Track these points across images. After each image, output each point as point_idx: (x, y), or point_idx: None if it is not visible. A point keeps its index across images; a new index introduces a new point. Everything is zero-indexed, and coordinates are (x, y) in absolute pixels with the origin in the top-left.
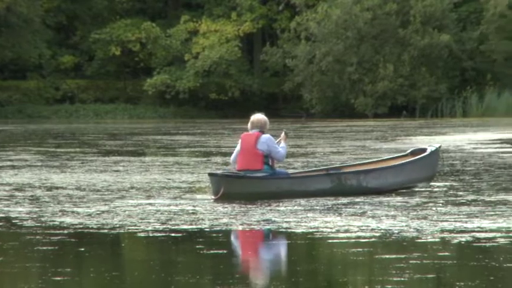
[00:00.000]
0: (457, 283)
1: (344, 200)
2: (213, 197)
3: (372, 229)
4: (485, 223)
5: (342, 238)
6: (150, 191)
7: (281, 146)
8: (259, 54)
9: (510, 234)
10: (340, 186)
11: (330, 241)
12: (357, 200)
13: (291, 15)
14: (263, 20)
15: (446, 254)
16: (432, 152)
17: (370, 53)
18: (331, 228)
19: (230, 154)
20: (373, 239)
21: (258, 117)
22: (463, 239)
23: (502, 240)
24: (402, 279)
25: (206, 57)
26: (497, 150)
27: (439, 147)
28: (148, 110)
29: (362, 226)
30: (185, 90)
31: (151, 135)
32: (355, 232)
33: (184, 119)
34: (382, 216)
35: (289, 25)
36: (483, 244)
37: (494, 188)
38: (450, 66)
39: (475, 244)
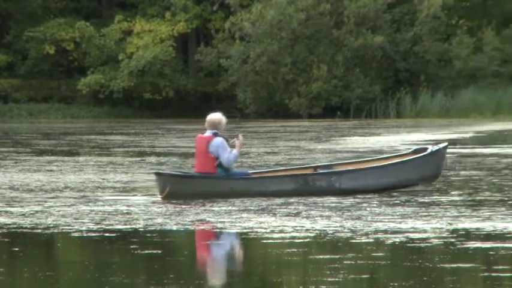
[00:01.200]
0: (391, 283)
1: (278, 201)
2: (159, 196)
3: (307, 229)
4: (419, 224)
5: (277, 238)
6: (84, 191)
7: (233, 152)
8: (194, 54)
9: (443, 235)
10: (307, 187)
11: (264, 241)
12: (292, 200)
13: (225, 16)
14: (197, 20)
15: (380, 254)
16: (432, 152)
17: (304, 53)
18: (265, 228)
19: (164, 154)
20: (307, 240)
21: (212, 117)
22: (397, 240)
23: (435, 241)
24: (336, 279)
25: (140, 57)
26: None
27: (445, 146)
28: (83, 110)
29: (296, 226)
30: (119, 90)
31: (85, 135)
32: (290, 232)
33: (118, 119)
34: (316, 216)
35: (223, 25)
36: (417, 244)
37: (427, 188)
38: (384, 67)
39: (408, 244)
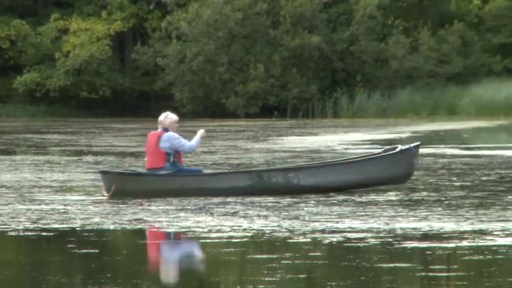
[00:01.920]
0: (329, 283)
1: (216, 200)
2: (105, 194)
3: (244, 229)
4: (356, 223)
5: (214, 238)
6: (21, 190)
7: (194, 139)
8: (130, 53)
9: (380, 235)
10: (262, 184)
11: (202, 241)
12: (229, 200)
13: (162, 15)
14: (134, 19)
15: (318, 254)
16: (401, 151)
17: (241, 53)
18: (203, 228)
19: (101, 153)
20: (245, 239)
21: (163, 116)
22: (335, 239)
23: (372, 241)
24: (274, 279)
25: (77, 55)
26: (368, 150)
27: (416, 145)
28: (19, 109)
29: (234, 226)
30: (56, 88)
31: (21, 134)
32: (227, 232)
33: (55, 118)
34: (253, 216)
35: (160, 24)
36: (354, 244)
37: (364, 188)
38: (321, 67)
39: (346, 244)
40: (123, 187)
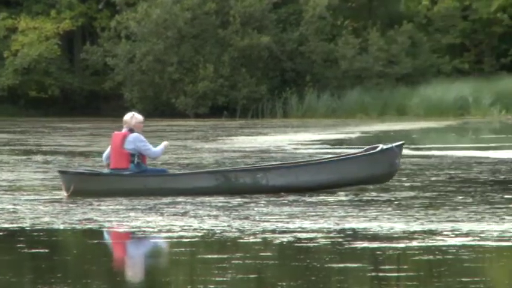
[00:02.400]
0: (279, 283)
1: (166, 200)
2: (65, 194)
3: (194, 229)
4: (307, 223)
5: (164, 238)
6: None
7: (158, 147)
8: (80, 53)
9: (331, 235)
10: (229, 184)
11: (152, 241)
12: (179, 199)
13: (111, 14)
14: (83, 18)
15: (268, 254)
16: (382, 151)
17: (191, 53)
18: (153, 228)
19: (51, 153)
20: (195, 239)
21: (128, 116)
22: (285, 239)
23: (322, 241)
24: (224, 279)
25: (25, 54)
26: (318, 150)
27: (398, 145)
28: None
29: (184, 226)
30: (4, 87)
31: None
32: (178, 232)
33: (3, 117)
34: (204, 216)
35: (109, 24)
36: (304, 244)
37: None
38: (270, 67)
39: (296, 244)
40: (83, 187)
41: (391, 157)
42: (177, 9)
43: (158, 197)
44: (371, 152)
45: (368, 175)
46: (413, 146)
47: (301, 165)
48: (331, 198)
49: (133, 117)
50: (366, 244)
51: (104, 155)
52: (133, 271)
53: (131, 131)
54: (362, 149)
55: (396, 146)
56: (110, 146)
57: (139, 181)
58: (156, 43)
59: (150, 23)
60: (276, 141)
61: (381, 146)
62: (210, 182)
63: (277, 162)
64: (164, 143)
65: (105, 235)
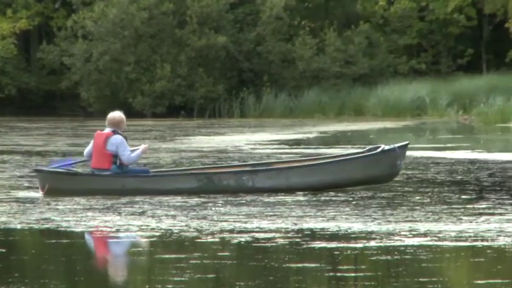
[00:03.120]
0: (237, 283)
1: (124, 200)
2: (40, 192)
3: (152, 228)
4: (264, 223)
5: (122, 237)
6: None
7: (135, 152)
8: (36, 52)
9: (289, 235)
10: (212, 186)
11: (110, 240)
12: (137, 199)
13: (68, 13)
14: (39, 17)
15: (226, 254)
16: (383, 151)
17: (148, 52)
18: (111, 227)
19: (8, 152)
20: (153, 239)
21: (112, 115)
22: (243, 239)
23: (280, 241)
24: (183, 279)
25: None
26: (275, 150)
27: (401, 146)
28: None
29: (142, 225)
30: None
31: None
32: (135, 231)
33: None
34: (162, 215)
35: (66, 23)
36: (262, 244)
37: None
38: (227, 67)
39: (254, 244)
40: (58, 186)
41: (392, 158)
42: (134, 9)
43: (136, 197)
44: (370, 153)
45: (368, 176)
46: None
47: (294, 167)
48: (289, 199)
49: (123, 119)
50: (323, 244)
51: (85, 151)
52: (90, 271)
53: (115, 131)
54: (365, 149)
55: (399, 146)
56: (91, 143)
57: (117, 181)
58: (113, 43)
59: (106, 23)
60: (233, 141)
61: (382, 147)
62: (192, 184)
63: (263, 162)
64: (142, 147)
65: (63, 235)
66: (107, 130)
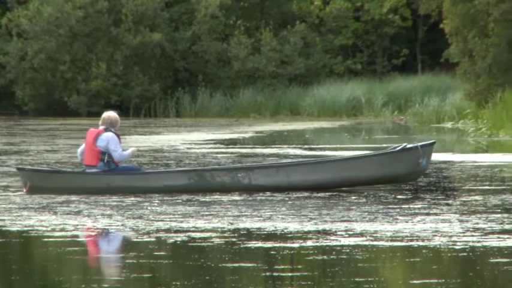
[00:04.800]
0: (174, 282)
1: (59, 199)
2: (24, 190)
3: (88, 228)
4: (200, 223)
5: (58, 237)
6: None
7: (127, 151)
8: None
9: (225, 234)
10: (204, 183)
11: (45, 240)
12: (73, 198)
13: (2, 11)
14: None
15: (162, 253)
16: (400, 150)
17: (83, 51)
18: (46, 227)
19: None
20: (89, 238)
21: (107, 115)
22: (179, 239)
23: (217, 240)
24: (119, 278)
25: None
26: (211, 150)
27: (424, 144)
28: None
29: (78, 225)
30: None
31: None
32: (71, 231)
33: None
34: (98, 215)
35: (0, 21)
36: (198, 244)
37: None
38: (163, 66)
39: (190, 244)
40: (41, 184)
41: (414, 156)
42: (69, 7)
43: (123, 195)
44: (386, 151)
45: (386, 174)
46: (306, 146)
47: (295, 164)
48: (224, 198)
49: (117, 118)
50: (260, 244)
51: (79, 150)
52: (26, 271)
53: (107, 129)
54: (388, 148)
55: (422, 145)
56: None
57: (102, 179)
58: (48, 41)
59: (41, 21)
60: (169, 141)
61: (404, 145)
62: (182, 181)
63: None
64: (132, 149)
65: None
66: (100, 128)
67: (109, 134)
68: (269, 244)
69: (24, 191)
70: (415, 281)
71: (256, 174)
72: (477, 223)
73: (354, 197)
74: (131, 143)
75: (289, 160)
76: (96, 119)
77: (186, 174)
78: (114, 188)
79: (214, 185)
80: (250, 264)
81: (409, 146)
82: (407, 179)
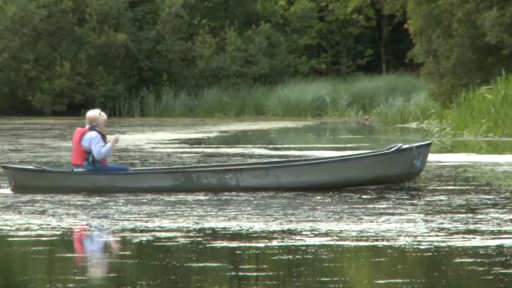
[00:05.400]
0: (139, 282)
1: (24, 198)
2: (10, 188)
3: (53, 227)
4: (166, 222)
5: (22, 236)
6: None
7: (106, 146)
8: None
9: (190, 234)
10: (190, 184)
11: (9, 239)
12: (37, 198)
13: None
14: None
15: (128, 253)
16: (395, 151)
17: (47, 50)
18: (11, 226)
19: None
20: (53, 238)
21: (91, 113)
22: (144, 238)
23: (182, 240)
24: (84, 278)
25: None
26: (176, 150)
27: (419, 145)
28: None
29: (42, 224)
30: None
31: None
32: (36, 230)
33: None
34: (62, 214)
35: None
36: (164, 243)
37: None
38: (128, 66)
39: (155, 243)
40: (26, 182)
41: (408, 157)
42: (33, 6)
43: (109, 195)
44: (379, 152)
45: (380, 175)
46: (271, 146)
47: (285, 166)
48: (189, 198)
49: (96, 116)
50: (225, 243)
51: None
52: None
53: (91, 129)
54: (383, 149)
55: (417, 146)
56: None
57: (87, 179)
58: (12, 40)
59: (5, 20)
60: (134, 140)
61: (398, 146)
62: (168, 182)
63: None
64: (113, 138)
65: None
66: (86, 127)
67: (92, 133)
68: (234, 244)
69: (10, 189)
70: (380, 281)
71: (244, 176)
72: (442, 223)
73: (319, 197)
74: None
75: (257, 160)
76: (60, 118)
77: (172, 175)
78: (99, 187)
79: (200, 185)
80: (215, 264)
81: (404, 146)
82: (401, 180)
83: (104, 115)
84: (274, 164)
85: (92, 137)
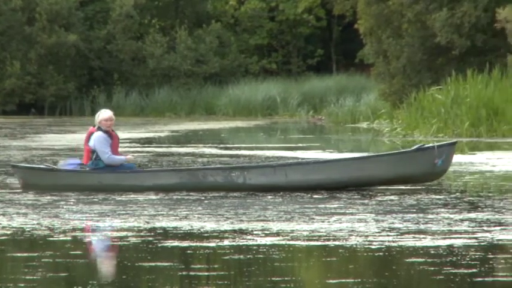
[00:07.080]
0: (90, 282)
1: None
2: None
3: (3, 227)
4: (117, 222)
5: None
6: None
7: (119, 157)
8: None
9: (141, 234)
10: (196, 183)
11: None
12: None
13: None
14: None
15: (79, 252)
16: (414, 150)
17: None
18: None
19: None
20: (4, 237)
21: (98, 113)
22: (95, 238)
23: (133, 239)
24: (35, 277)
25: None
26: (127, 149)
27: (440, 145)
28: None
29: None
30: None
31: None
32: None
33: None
34: (13, 214)
35: None
36: (115, 243)
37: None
38: (78, 65)
39: (107, 243)
40: (35, 181)
41: (429, 157)
42: None
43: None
44: (398, 151)
45: (400, 174)
46: (222, 146)
47: (290, 164)
48: (141, 197)
49: (98, 115)
50: (176, 243)
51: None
52: None
53: (98, 128)
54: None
55: (438, 145)
56: None
57: (93, 177)
58: None
59: None
60: (84, 139)
61: (419, 145)
62: (173, 180)
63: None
64: (128, 157)
65: None
66: (95, 127)
67: (97, 134)
68: (185, 243)
69: (20, 188)
70: (331, 281)
71: (251, 173)
72: (393, 223)
73: (270, 197)
74: (46, 142)
75: (208, 160)
76: (11, 118)
77: (178, 173)
78: (105, 186)
79: (207, 184)
80: (166, 264)
81: (425, 146)
82: (423, 180)
83: (105, 114)
84: (284, 162)
85: (95, 138)
